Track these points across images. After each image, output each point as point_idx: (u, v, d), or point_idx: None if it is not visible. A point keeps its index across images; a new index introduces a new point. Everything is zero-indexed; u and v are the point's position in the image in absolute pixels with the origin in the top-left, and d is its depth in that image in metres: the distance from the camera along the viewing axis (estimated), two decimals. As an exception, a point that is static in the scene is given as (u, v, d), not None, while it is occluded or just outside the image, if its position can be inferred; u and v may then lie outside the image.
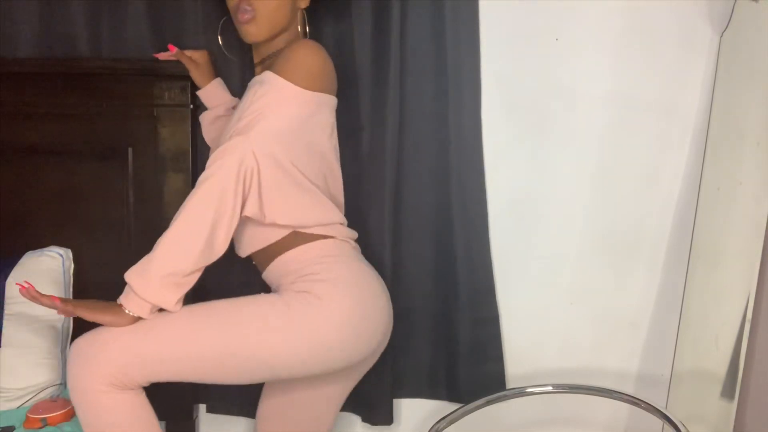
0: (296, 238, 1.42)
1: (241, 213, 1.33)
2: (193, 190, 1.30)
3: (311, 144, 1.42)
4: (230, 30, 1.54)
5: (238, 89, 1.70)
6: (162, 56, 1.64)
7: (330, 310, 1.34)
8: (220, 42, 1.62)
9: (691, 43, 1.70)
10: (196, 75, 1.65)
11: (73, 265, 1.69)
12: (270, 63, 1.45)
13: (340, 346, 1.36)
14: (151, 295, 1.27)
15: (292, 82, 1.35)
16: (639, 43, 1.71)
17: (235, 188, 1.29)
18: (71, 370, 1.29)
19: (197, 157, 1.73)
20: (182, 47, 1.65)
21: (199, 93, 1.67)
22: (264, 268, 1.48)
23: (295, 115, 1.37)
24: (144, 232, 1.71)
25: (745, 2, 1.59)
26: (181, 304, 1.31)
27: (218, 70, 1.70)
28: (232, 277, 1.70)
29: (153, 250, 1.29)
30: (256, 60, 1.52)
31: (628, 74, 1.72)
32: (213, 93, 1.67)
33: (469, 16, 1.67)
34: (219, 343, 1.31)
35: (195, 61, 1.64)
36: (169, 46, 1.62)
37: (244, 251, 1.49)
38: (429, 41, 1.69)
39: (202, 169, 1.76)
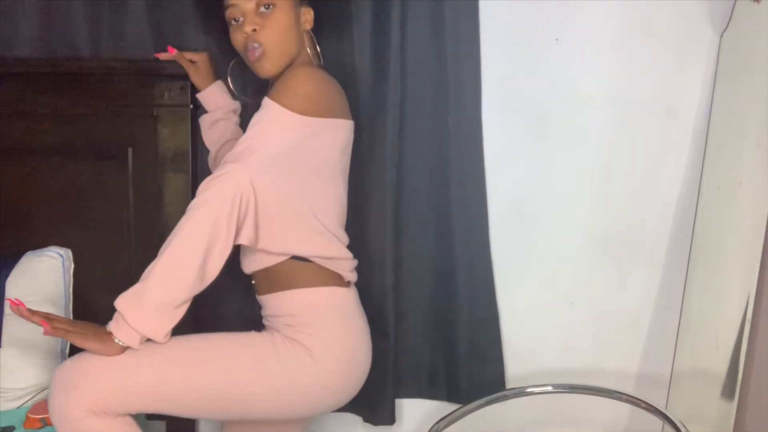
0: (297, 271, 1.40)
1: (234, 240, 1.30)
2: (185, 216, 1.27)
3: (318, 169, 1.39)
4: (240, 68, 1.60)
5: (239, 92, 1.70)
6: (162, 56, 1.63)
7: (321, 371, 1.35)
8: (231, 86, 1.66)
9: (691, 43, 1.69)
10: (195, 78, 1.64)
11: (73, 265, 1.69)
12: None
13: (323, 401, 1.40)
14: (144, 325, 1.25)
15: (288, 108, 1.32)
16: (639, 43, 1.71)
17: (229, 216, 1.26)
18: (53, 398, 1.26)
19: (197, 157, 1.73)
20: (182, 48, 1.65)
21: (198, 96, 1.66)
22: (262, 293, 1.46)
23: (292, 140, 1.33)
24: (144, 232, 1.71)
25: (745, 2, 1.59)
26: (169, 335, 1.29)
27: (218, 72, 1.69)
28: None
29: (144, 277, 1.26)
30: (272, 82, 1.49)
31: (628, 74, 1.72)
32: (212, 96, 1.66)
33: (469, 16, 1.67)
34: (204, 383, 1.30)
35: (194, 63, 1.63)
36: (169, 48, 1.61)
37: (247, 268, 1.47)
38: (429, 41, 1.69)
39: (202, 169, 1.77)
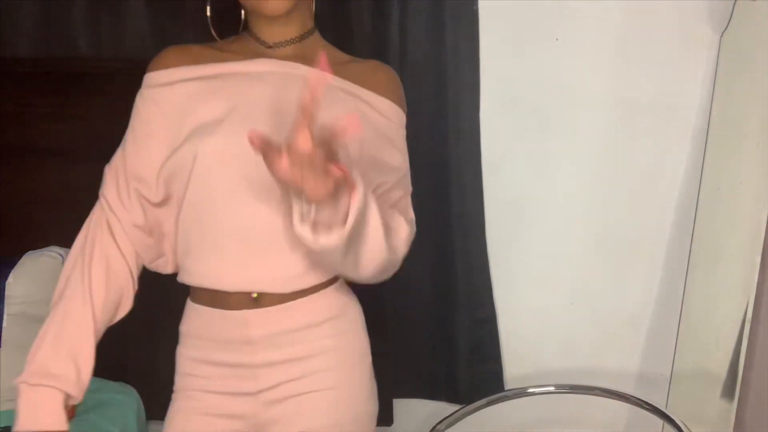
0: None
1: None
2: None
3: None
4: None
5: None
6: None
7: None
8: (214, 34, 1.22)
9: (691, 43, 1.69)
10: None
11: (73, 265, 1.68)
12: (302, 46, 1.14)
13: None
14: None
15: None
16: (639, 43, 1.70)
17: None
18: None
19: (197, 157, 1.73)
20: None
21: None
22: (274, 303, 1.09)
23: None
24: (144, 232, 1.71)
25: (745, 2, 1.59)
26: None
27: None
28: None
29: None
30: (268, 39, 1.13)
31: (628, 74, 1.72)
32: None
33: (468, 16, 1.67)
34: None
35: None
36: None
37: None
38: (429, 41, 1.69)
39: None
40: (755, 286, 1.52)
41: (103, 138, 1.73)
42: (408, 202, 1.13)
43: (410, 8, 1.66)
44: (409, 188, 1.15)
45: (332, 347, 1.12)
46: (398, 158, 1.13)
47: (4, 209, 1.71)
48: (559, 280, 1.82)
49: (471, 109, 1.71)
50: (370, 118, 1.11)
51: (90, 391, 1.60)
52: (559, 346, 1.85)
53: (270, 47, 1.13)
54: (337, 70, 1.03)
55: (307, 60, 1.09)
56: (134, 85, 1.70)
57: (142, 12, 1.71)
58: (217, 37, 1.17)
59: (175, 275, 1.18)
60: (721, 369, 1.59)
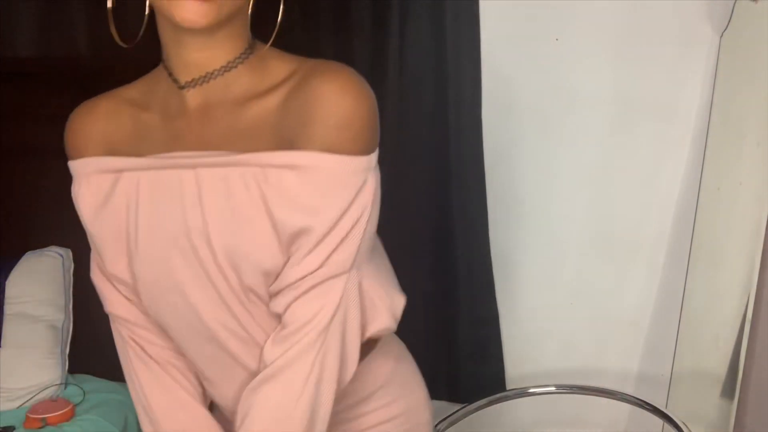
0: None
1: None
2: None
3: None
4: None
5: None
6: None
7: None
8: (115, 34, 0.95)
9: (691, 43, 1.69)
10: None
11: (73, 265, 1.69)
12: (224, 82, 0.83)
13: None
14: None
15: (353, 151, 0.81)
16: (639, 43, 1.70)
17: None
18: None
19: (197, 157, 1.73)
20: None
21: None
22: None
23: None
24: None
25: (745, 2, 1.59)
26: None
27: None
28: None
29: None
30: (181, 75, 0.85)
31: (628, 74, 1.72)
32: None
33: (469, 16, 1.67)
34: None
35: None
36: None
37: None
38: (429, 41, 1.69)
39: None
40: (755, 285, 1.53)
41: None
42: (345, 278, 0.80)
43: (410, 8, 1.66)
44: (350, 256, 0.79)
45: (386, 418, 0.97)
46: (300, 218, 0.77)
47: (4, 209, 1.71)
48: (559, 280, 1.82)
49: (472, 109, 1.71)
50: (275, 186, 0.77)
51: (90, 391, 1.62)
52: (560, 347, 1.85)
53: (182, 87, 0.83)
54: (254, 118, 0.80)
55: (224, 106, 0.82)
56: None
57: (142, 12, 1.71)
58: (118, 40, 0.94)
59: None
60: (721, 369, 1.59)
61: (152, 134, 0.85)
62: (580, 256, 1.81)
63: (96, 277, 0.94)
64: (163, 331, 0.90)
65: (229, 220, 0.78)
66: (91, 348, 1.72)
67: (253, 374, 0.83)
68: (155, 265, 0.83)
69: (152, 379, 0.93)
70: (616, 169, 1.77)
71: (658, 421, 1.56)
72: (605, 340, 1.84)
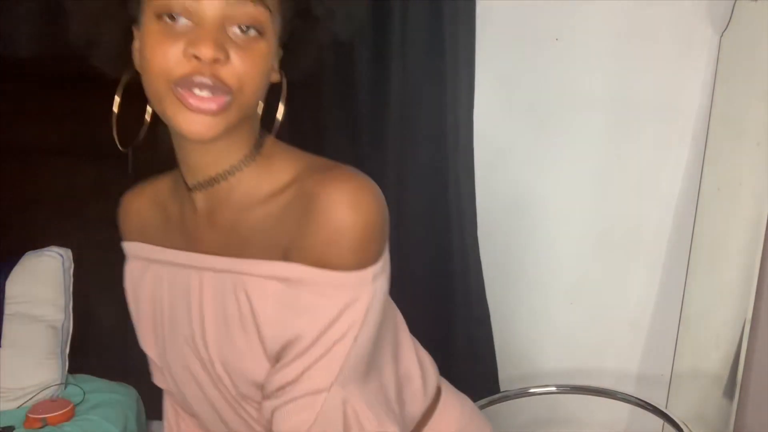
0: None
1: None
2: None
3: None
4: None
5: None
6: None
7: None
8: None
9: (691, 43, 1.69)
10: None
11: (73, 265, 1.69)
12: (228, 186, 0.81)
13: None
14: None
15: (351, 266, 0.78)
16: (639, 43, 1.71)
17: None
18: None
19: (197, 157, 1.73)
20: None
21: None
22: None
23: None
24: (144, 232, 1.71)
25: (745, 2, 1.59)
26: None
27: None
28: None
29: None
30: (189, 177, 0.84)
31: (628, 74, 1.72)
32: None
33: (466, 16, 1.67)
34: None
35: None
36: None
37: None
38: (428, 41, 1.69)
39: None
40: (755, 286, 1.53)
41: (103, 138, 1.73)
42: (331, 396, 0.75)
43: (410, 8, 1.66)
44: (332, 368, 0.74)
45: None
46: (285, 331, 0.75)
47: (4, 209, 1.71)
48: (559, 280, 1.82)
49: (466, 109, 1.71)
50: (290, 303, 0.75)
51: (90, 391, 1.62)
52: (560, 346, 1.85)
53: (190, 189, 0.83)
54: (256, 223, 0.79)
55: (229, 209, 0.81)
56: (134, 85, 1.71)
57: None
58: (119, 145, 0.94)
59: None
60: (721, 369, 1.59)
61: (175, 229, 0.86)
62: (580, 256, 1.81)
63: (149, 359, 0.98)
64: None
65: (222, 330, 0.78)
66: (91, 348, 1.73)
67: None
68: (177, 358, 0.85)
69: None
70: (616, 169, 1.77)
71: (658, 421, 1.56)
72: (605, 340, 1.84)
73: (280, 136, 0.82)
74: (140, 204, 0.93)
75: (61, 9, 1.77)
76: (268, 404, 0.76)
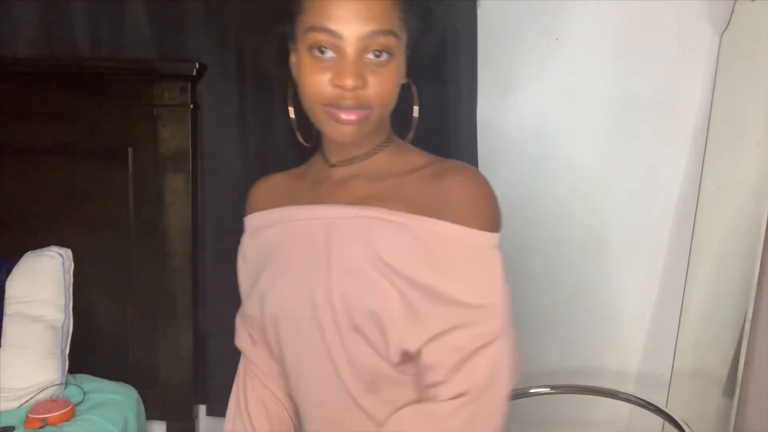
0: None
1: None
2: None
3: None
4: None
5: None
6: None
7: None
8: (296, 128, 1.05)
9: (691, 43, 1.69)
10: None
11: (73, 265, 1.68)
12: (366, 163, 1.01)
13: None
14: None
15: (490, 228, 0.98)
16: (639, 43, 1.71)
17: None
18: None
19: (197, 157, 1.73)
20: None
21: None
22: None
23: None
24: (144, 232, 1.71)
25: (745, 2, 1.59)
26: None
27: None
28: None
29: None
30: (332, 158, 1.02)
31: (628, 74, 1.72)
32: None
33: (467, 16, 1.67)
34: None
35: None
36: None
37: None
38: (430, 42, 1.68)
39: (202, 169, 1.76)
40: (755, 285, 1.53)
41: (103, 138, 1.74)
42: (485, 353, 1.04)
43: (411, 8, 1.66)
44: (492, 331, 1.05)
45: None
46: (458, 290, 0.97)
47: (4, 209, 1.71)
48: (559, 279, 1.82)
49: (469, 110, 1.70)
50: (418, 249, 0.92)
51: (90, 391, 1.61)
52: (560, 346, 1.85)
53: (333, 166, 1.01)
54: (388, 188, 0.97)
55: (363, 178, 0.99)
56: (134, 84, 1.71)
57: (142, 12, 1.71)
58: (302, 141, 1.04)
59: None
60: (721, 368, 1.59)
61: (300, 194, 1.04)
62: (579, 256, 1.81)
63: (237, 322, 1.12)
64: (275, 365, 1.08)
65: (345, 268, 0.93)
66: (91, 348, 1.73)
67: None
68: (295, 299, 0.98)
69: (253, 390, 1.10)
70: (616, 169, 1.77)
71: (659, 421, 1.56)
72: (605, 339, 1.84)
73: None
74: (272, 181, 1.11)
75: (60, 9, 1.76)
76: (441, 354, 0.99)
